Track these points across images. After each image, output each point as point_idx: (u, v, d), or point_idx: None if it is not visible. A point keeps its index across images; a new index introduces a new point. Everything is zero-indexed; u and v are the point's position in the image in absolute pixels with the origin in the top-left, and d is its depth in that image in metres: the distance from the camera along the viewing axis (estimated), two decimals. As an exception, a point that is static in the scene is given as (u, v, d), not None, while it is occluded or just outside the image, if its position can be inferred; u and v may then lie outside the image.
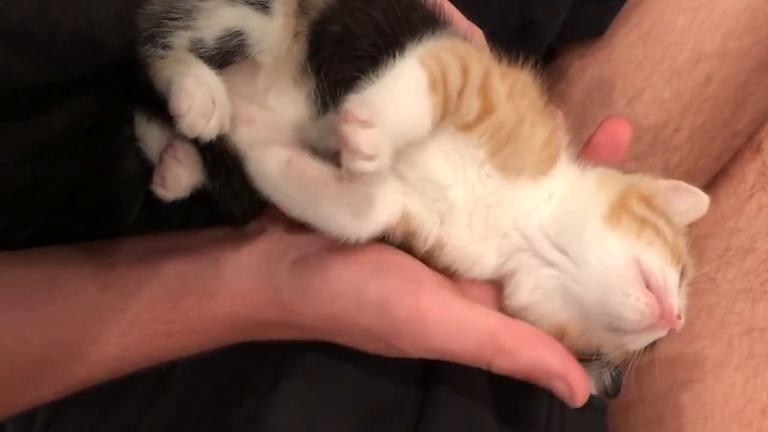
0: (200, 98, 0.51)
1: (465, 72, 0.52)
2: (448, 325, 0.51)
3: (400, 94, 0.50)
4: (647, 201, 0.54)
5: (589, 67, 0.83)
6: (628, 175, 0.58)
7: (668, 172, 0.80)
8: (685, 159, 0.80)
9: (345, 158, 0.46)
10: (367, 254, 0.53)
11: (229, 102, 0.53)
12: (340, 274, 0.53)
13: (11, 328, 0.54)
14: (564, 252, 0.53)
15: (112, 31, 0.50)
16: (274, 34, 0.57)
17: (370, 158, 0.45)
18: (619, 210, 0.53)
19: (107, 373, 0.56)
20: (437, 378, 0.62)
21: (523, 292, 0.54)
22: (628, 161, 0.71)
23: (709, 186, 0.83)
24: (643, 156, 0.79)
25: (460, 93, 0.52)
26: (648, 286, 0.51)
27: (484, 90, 0.52)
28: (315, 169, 0.51)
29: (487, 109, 0.53)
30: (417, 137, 0.50)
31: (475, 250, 0.55)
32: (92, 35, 0.47)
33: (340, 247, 0.54)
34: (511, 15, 0.77)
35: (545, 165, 0.55)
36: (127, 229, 0.60)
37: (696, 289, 0.77)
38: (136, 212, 0.60)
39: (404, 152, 0.52)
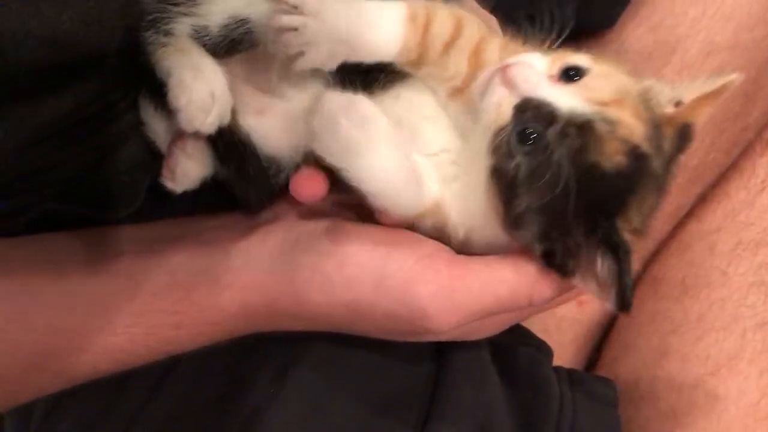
0: (199, 92, 0.50)
1: (458, 28, 0.52)
2: (475, 284, 0.51)
3: (371, 9, 0.51)
4: None
5: (598, 60, 0.82)
6: None
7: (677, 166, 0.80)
8: (694, 152, 0.80)
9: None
10: (378, 236, 0.53)
11: (230, 94, 0.52)
12: (355, 258, 0.52)
13: (15, 316, 0.53)
14: None
15: (119, 12, 0.49)
16: None
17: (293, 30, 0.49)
18: None
19: (113, 364, 0.55)
20: (447, 370, 0.61)
21: None
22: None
23: (720, 180, 0.83)
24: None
25: (447, 46, 0.51)
26: None
27: (476, 55, 0.52)
28: (373, 111, 0.50)
29: (474, 75, 0.52)
30: (375, 55, 0.51)
31: None
32: (100, 15, 0.46)
33: (351, 231, 0.53)
34: (519, 5, 0.76)
35: None
36: (132, 214, 0.59)
37: (708, 282, 0.77)
38: (142, 198, 0.59)
39: (419, 129, 0.53)
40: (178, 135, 0.56)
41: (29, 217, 0.57)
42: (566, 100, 0.48)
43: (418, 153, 0.53)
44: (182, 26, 0.54)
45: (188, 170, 0.56)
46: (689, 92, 0.50)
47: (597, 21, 0.81)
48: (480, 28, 0.54)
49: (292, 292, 0.54)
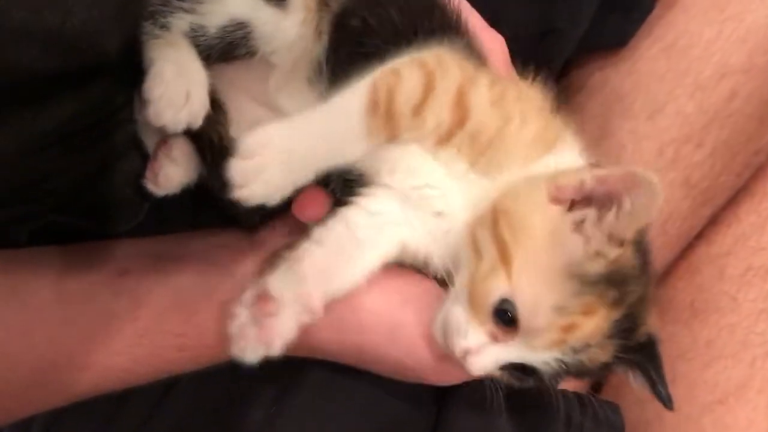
0: (174, 88, 0.49)
1: (428, 84, 0.51)
2: None
3: (328, 119, 0.50)
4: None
5: (610, 80, 0.81)
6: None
7: (689, 188, 0.79)
8: (706, 175, 0.79)
9: None
10: (394, 283, 0.53)
11: (207, 100, 0.51)
12: (370, 304, 0.53)
13: (17, 331, 0.52)
14: None
15: (119, 21, 0.48)
16: (290, 30, 0.55)
17: (240, 186, 0.47)
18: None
19: (115, 383, 0.55)
20: (452, 398, 0.61)
21: None
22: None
23: (731, 203, 0.82)
24: (664, 170, 0.78)
25: (417, 109, 0.50)
26: None
27: (459, 100, 0.51)
28: None
29: (460, 120, 0.51)
30: (348, 157, 0.50)
31: None
32: (102, 24, 0.46)
33: None
34: (531, 22, 0.76)
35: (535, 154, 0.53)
36: (134, 228, 0.59)
37: (717, 307, 0.77)
38: (145, 211, 0.58)
39: (404, 160, 0.52)
40: (164, 139, 0.55)
41: (31, 228, 0.57)
42: (531, 357, 0.49)
43: (400, 185, 0.53)
44: (180, 22, 0.53)
45: (171, 175, 0.55)
46: (624, 225, 0.47)
47: (610, 39, 0.81)
48: (462, 70, 0.52)
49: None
